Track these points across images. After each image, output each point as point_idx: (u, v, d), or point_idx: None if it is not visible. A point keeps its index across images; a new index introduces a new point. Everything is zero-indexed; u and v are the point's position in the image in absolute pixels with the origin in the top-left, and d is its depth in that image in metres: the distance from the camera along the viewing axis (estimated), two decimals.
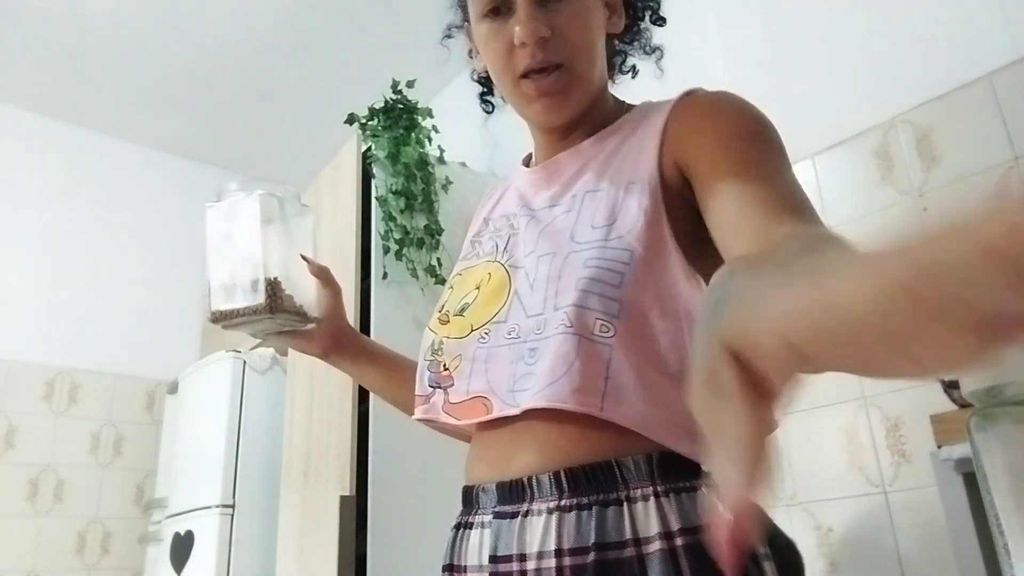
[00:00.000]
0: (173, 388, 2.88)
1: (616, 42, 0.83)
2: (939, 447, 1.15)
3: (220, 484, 2.30)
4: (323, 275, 0.93)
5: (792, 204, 0.55)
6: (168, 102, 3.12)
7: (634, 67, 0.87)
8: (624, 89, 0.85)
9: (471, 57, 0.85)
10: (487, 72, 0.80)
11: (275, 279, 0.85)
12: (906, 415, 1.37)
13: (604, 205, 0.68)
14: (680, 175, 0.66)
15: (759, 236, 0.52)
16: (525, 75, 0.70)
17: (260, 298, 0.83)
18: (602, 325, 0.62)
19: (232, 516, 2.29)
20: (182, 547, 2.38)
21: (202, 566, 2.26)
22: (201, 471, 2.38)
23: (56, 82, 2.96)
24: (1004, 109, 1.35)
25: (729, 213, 0.57)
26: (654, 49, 0.86)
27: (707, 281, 0.61)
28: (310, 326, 0.91)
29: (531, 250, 0.72)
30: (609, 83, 0.83)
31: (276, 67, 2.94)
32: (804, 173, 1.63)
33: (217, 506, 2.28)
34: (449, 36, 0.88)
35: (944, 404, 1.20)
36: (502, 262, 0.75)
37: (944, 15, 1.46)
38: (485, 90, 0.91)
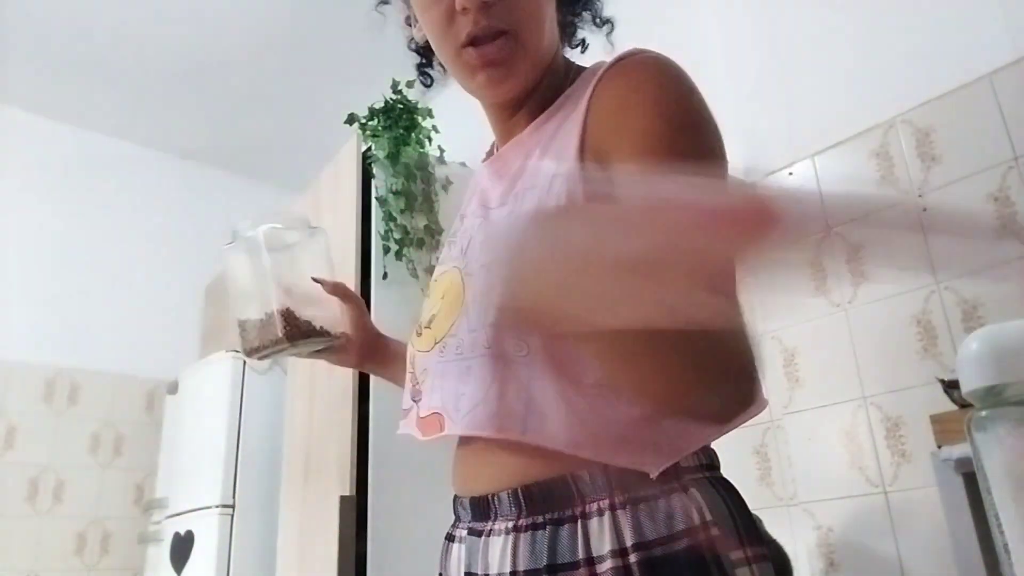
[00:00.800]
0: (173, 388, 2.88)
1: (563, 10, 0.76)
2: (939, 447, 1.15)
3: (220, 484, 2.30)
4: (340, 292, 0.94)
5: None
6: (168, 102, 3.12)
7: (584, 40, 0.80)
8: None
9: (408, 25, 0.79)
10: (426, 41, 0.75)
11: (287, 309, 0.88)
12: (906, 415, 1.37)
13: (532, 207, 0.64)
14: (602, 166, 0.61)
15: None
16: (468, 43, 0.65)
17: (277, 331, 0.87)
18: (517, 344, 0.59)
19: (232, 516, 2.29)
20: (182, 547, 2.38)
21: (202, 566, 2.26)
22: (201, 471, 2.38)
23: (56, 82, 2.95)
24: (1004, 109, 1.35)
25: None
26: (604, 21, 0.80)
27: None
28: (338, 342, 0.93)
29: (477, 258, 0.70)
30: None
31: (276, 67, 2.93)
32: (804, 173, 1.63)
33: (217, 506, 2.28)
34: (385, 2, 0.83)
35: (944, 404, 1.20)
36: (461, 268, 0.72)
37: (944, 15, 1.46)
38: (423, 60, 0.85)
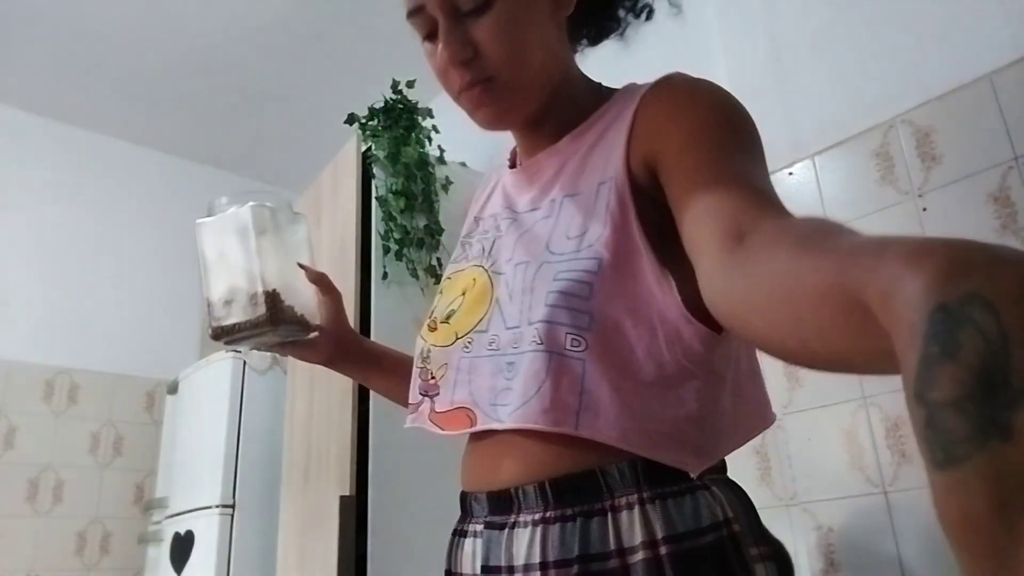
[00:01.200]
0: (173, 388, 2.88)
1: (573, 21, 0.76)
2: None
3: (220, 484, 2.30)
4: (322, 282, 0.92)
5: (765, 199, 0.51)
6: (168, 102, 3.12)
7: (620, 30, 0.82)
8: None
9: None
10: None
11: (274, 291, 0.84)
12: (906, 415, 1.36)
13: (579, 212, 0.66)
14: (649, 171, 0.63)
15: (730, 232, 0.49)
16: (459, 92, 0.70)
17: (261, 311, 0.83)
18: (573, 340, 0.60)
19: (232, 516, 2.29)
20: (182, 547, 2.38)
21: (202, 566, 2.26)
22: (201, 471, 2.38)
23: (56, 82, 2.96)
24: (1004, 109, 1.35)
25: (698, 211, 0.53)
26: (643, 8, 0.81)
27: (679, 282, 0.60)
28: (312, 335, 0.91)
29: (510, 257, 0.70)
30: (579, 65, 0.79)
31: (276, 67, 2.93)
32: (804, 173, 1.63)
33: (217, 506, 2.28)
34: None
35: None
36: (486, 267, 0.73)
37: (944, 15, 1.46)
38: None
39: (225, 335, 0.84)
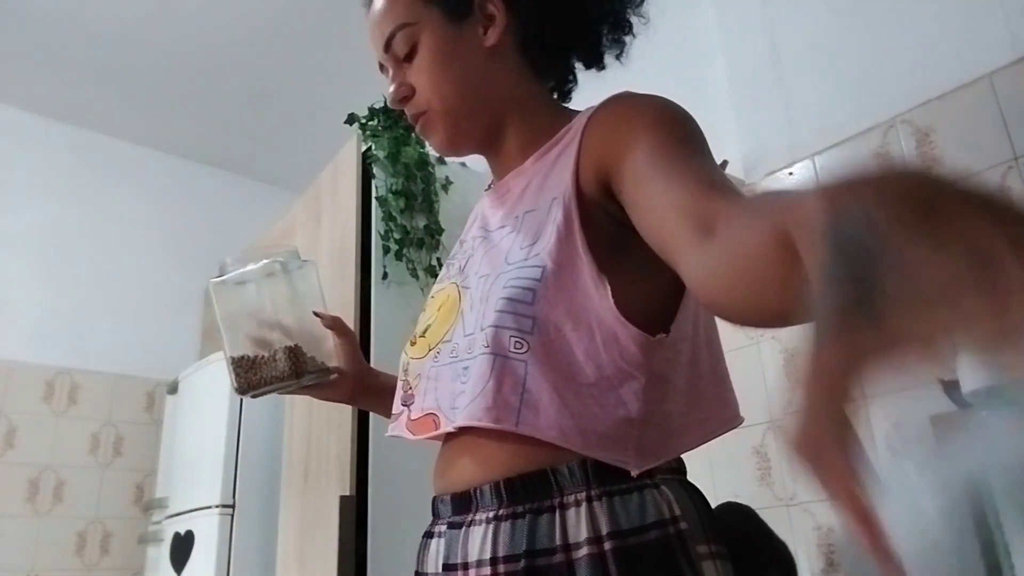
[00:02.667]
0: (173, 388, 2.88)
1: (538, 50, 0.81)
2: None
3: (220, 484, 2.29)
4: (337, 326, 0.95)
5: (716, 189, 0.53)
6: (168, 102, 3.12)
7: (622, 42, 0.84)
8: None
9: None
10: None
11: (295, 345, 0.87)
12: (906, 415, 1.37)
13: (534, 226, 0.70)
14: (601, 184, 0.66)
15: (697, 228, 0.50)
16: (412, 124, 0.80)
17: (283, 366, 0.86)
18: (516, 342, 0.64)
19: (232, 516, 2.29)
20: (182, 547, 2.38)
21: (202, 566, 2.26)
22: (201, 471, 2.38)
23: (56, 82, 2.96)
24: (1004, 109, 1.35)
25: (661, 214, 0.56)
26: (624, 25, 0.83)
27: (616, 286, 0.63)
28: (333, 377, 0.94)
29: (476, 270, 0.75)
30: (546, 94, 0.84)
31: (276, 67, 2.93)
32: (804, 173, 1.63)
33: (217, 506, 2.28)
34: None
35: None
36: (458, 283, 0.78)
37: (944, 15, 1.46)
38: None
39: (251, 390, 0.88)
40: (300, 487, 2.02)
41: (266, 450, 2.37)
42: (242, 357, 0.87)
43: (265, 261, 0.91)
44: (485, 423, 0.63)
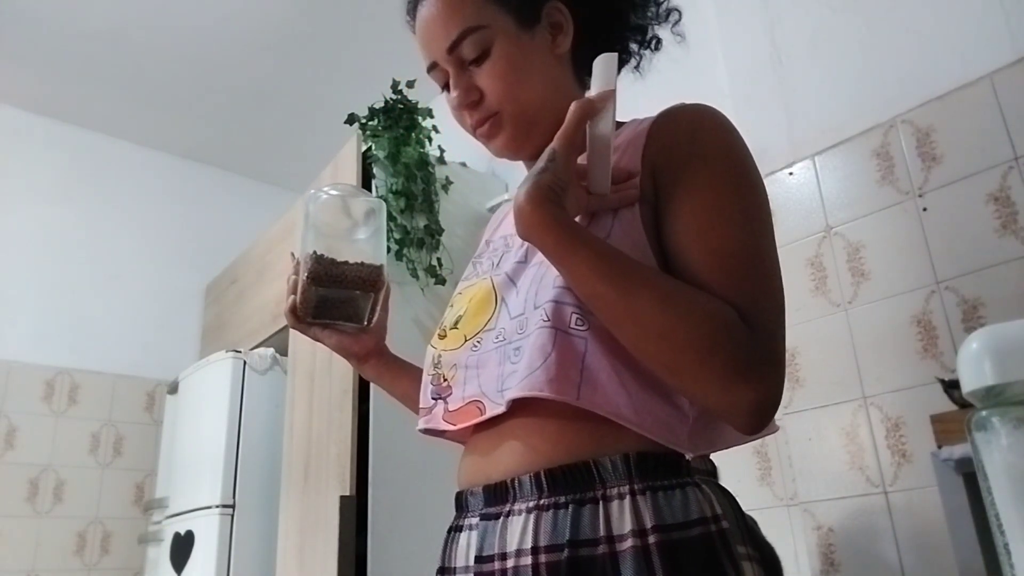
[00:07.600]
0: (173, 388, 2.88)
1: (581, 57, 0.83)
2: (939, 447, 1.15)
3: (220, 484, 2.30)
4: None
5: (725, 277, 0.62)
6: (168, 102, 3.12)
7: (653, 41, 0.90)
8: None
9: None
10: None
11: (381, 265, 0.89)
12: (906, 415, 1.37)
13: (586, 216, 0.71)
14: (653, 185, 0.69)
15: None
16: (473, 128, 0.80)
17: (366, 274, 0.88)
18: (578, 319, 0.65)
19: (232, 516, 2.29)
20: (182, 547, 2.38)
21: (202, 566, 2.26)
22: (201, 471, 2.38)
23: (56, 82, 2.96)
24: (1004, 109, 1.35)
25: (680, 263, 0.65)
26: (651, 40, 0.89)
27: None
28: (364, 328, 0.95)
29: (520, 260, 0.76)
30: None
31: (276, 67, 2.94)
32: (804, 173, 1.63)
33: (217, 506, 2.28)
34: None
35: (944, 404, 1.20)
36: (491, 276, 0.79)
37: (944, 15, 1.46)
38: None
39: (326, 284, 0.87)
40: (300, 487, 2.03)
41: (266, 450, 2.37)
42: (327, 256, 0.86)
43: (370, 197, 0.94)
44: (546, 394, 0.62)
